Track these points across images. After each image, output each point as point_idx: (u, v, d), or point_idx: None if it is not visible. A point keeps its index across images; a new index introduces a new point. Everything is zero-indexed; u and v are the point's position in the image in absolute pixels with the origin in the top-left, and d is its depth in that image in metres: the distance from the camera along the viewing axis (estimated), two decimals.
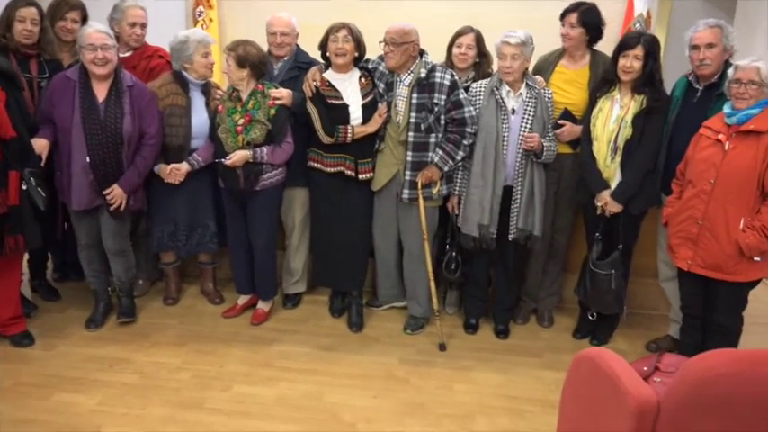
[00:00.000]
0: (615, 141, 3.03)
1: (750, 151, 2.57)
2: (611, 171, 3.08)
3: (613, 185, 3.08)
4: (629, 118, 3.00)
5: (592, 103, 3.15)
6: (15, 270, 3.14)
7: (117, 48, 3.11)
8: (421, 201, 3.19)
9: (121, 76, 3.10)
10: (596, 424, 1.75)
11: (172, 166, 3.25)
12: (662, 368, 2.10)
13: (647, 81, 2.99)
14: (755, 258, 2.62)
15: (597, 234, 3.18)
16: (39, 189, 2.93)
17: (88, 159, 3.02)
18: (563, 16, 3.27)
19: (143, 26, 3.51)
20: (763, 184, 2.56)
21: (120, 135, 3.05)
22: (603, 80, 3.12)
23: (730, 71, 2.67)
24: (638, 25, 4.56)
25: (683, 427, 1.52)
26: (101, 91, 3.05)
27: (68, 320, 3.41)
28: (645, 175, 3.02)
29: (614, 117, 3.04)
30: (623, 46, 3.01)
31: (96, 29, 3.03)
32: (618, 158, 3.05)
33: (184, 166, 3.26)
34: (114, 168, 3.08)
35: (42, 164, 3.00)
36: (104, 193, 3.06)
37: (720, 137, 2.66)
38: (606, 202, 3.07)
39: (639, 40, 3.00)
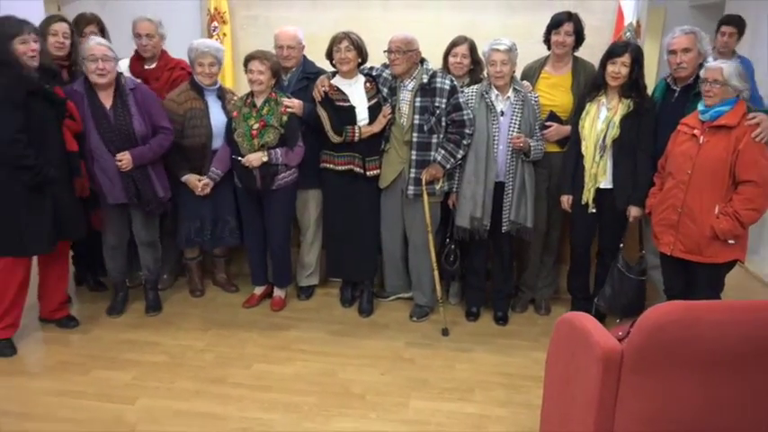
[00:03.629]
0: (603, 141, 3.30)
1: (722, 144, 2.81)
2: (600, 167, 3.34)
3: (602, 182, 3.35)
4: (616, 119, 3.27)
5: (580, 106, 3.42)
6: (65, 261, 3.48)
7: (117, 60, 3.34)
8: (425, 196, 3.47)
9: (123, 83, 3.36)
10: (573, 374, 2.01)
11: (202, 183, 3.56)
12: None
13: (633, 86, 3.26)
14: (730, 241, 2.86)
15: (621, 244, 3.42)
16: None
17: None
18: (557, 25, 3.51)
19: (149, 36, 3.74)
20: (733, 174, 2.80)
21: (132, 135, 3.32)
22: (592, 85, 3.39)
23: (701, 72, 2.94)
24: (628, 34, 4.79)
25: (642, 369, 1.78)
26: (106, 98, 3.30)
27: (99, 310, 3.70)
28: (653, 173, 3.25)
29: (602, 118, 3.31)
30: (612, 54, 3.28)
31: (97, 41, 3.28)
32: (606, 156, 3.32)
33: (206, 181, 3.57)
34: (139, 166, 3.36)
35: None
36: (116, 157, 3.28)
37: (696, 132, 2.91)
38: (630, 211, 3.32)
39: (627, 48, 3.28)
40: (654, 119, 3.28)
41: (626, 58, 3.23)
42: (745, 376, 1.83)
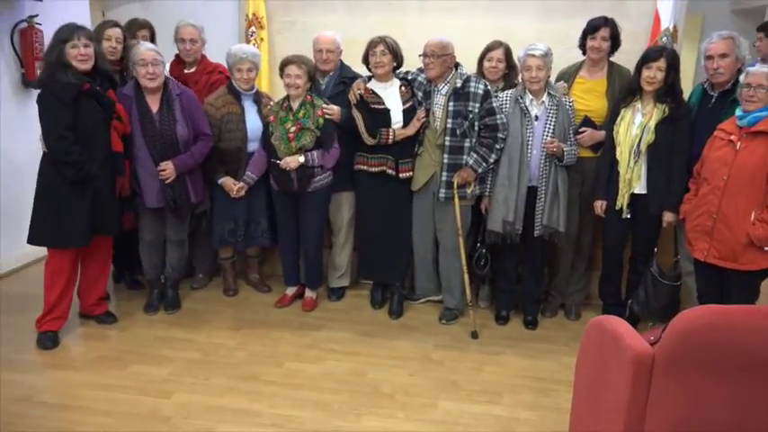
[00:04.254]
0: (638, 146, 3.29)
1: (759, 150, 2.79)
2: (635, 173, 3.33)
3: (636, 187, 3.34)
4: (651, 124, 3.26)
5: (615, 112, 3.41)
6: (107, 256, 3.59)
7: (164, 64, 3.45)
8: (456, 199, 3.49)
9: (171, 87, 3.47)
10: (603, 377, 2.01)
11: (237, 187, 3.66)
12: None
13: (669, 91, 3.25)
14: (766, 248, 2.83)
15: (655, 248, 3.41)
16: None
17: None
18: (594, 30, 3.51)
19: (192, 41, 3.84)
20: None
21: (175, 140, 3.42)
22: (627, 90, 3.38)
23: (742, 76, 2.91)
24: (664, 39, 4.75)
25: (674, 372, 1.78)
26: (154, 102, 3.41)
27: (137, 308, 3.80)
28: (688, 178, 3.23)
29: (637, 123, 3.30)
30: (647, 58, 3.27)
31: (147, 47, 3.40)
32: (641, 161, 3.30)
33: (241, 185, 3.67)
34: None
35: None
36: (160, 166, 3.39)
37: (732, 137, 2.89)
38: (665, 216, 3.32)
39: (662, 53, 3.28)
40: (689, 124, 3.26)
41: (661, 63, 3.22)
42: None
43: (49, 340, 3.30)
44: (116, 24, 3.70)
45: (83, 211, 3.17)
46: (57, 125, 3.05)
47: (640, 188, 3.35)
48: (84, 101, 3.09)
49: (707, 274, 3.08)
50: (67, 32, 3.08)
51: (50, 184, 3.16)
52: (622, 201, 3.37)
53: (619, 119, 3.36)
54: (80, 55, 3.07)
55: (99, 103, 3.15)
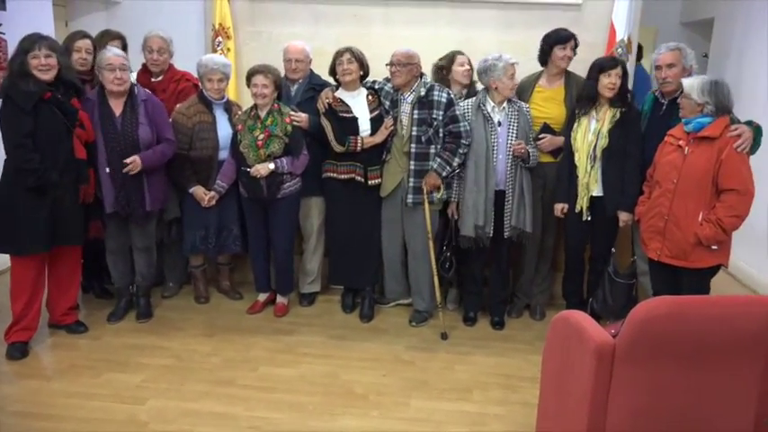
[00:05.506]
0: (594, 151, 3.45)
1: (705, 154, 2.95)
2: (592, 177, 3.48)
3: (594, 190, 3.49)
4: (605, 129, 3.42)
5: (572, 119, 3.57)
6: (76, 266, 3.58)
7: (130, 70, 3.51)
8: (426, 204, 3.60)
9: (136, 92, 3.50)
10: (568, 368, 2.13)
11: (208, 197, 3.71)
12: None
13: (622, 97, 3.43)
14: (713, 247, 2.98)
15: (613, 249, 3.56)
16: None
17: (108, 169, 3.41)
18: (565, 41, 3.66)
19: (160, 52, 3.88)
20: (716, 182, 2.93)
21: (136, 142, 3.43)
22: (587, 98, 3.53)
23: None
24: (619, 50, 4.97)
25: (633, 361, 1.90)
26: (117, 106, 3.43)
27: (106, 317, 3.78)
28: (641, 179, 3.38)
29: (592, 130, 3.46)
30: (605, 67, 3.43)
31: (115, 53, 3.44)
32: (597, 165, 3.46)
33: (212, 194, 3.72)
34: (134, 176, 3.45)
35: None
36: (127, 160, 3.37)
37: (681, 143, 3.05)
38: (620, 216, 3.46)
39: (617, 61, 3.47)
40: (639, 126, 3.45)
41: (618, 70, 3.40)
42: (729, 367, 1.95)
43: (17, 351, 3.28)
44: (86, 35, 3.71)
45: (40, 218, 3.18)
46: (16, 133, 3.09)
47: (598, 191, 3.50)
48: (45, 109, 3.12)
49: (661, 273, 3.23)
50: (29, 43, 3.13)
51: (9, 191, 3.17)
52: (582, 203, 3.52)
53: (576, 125, 3.52)
54: (41, 65, 3.10)
55: (61, 111, 3.18)
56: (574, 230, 3.66)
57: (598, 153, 3.44)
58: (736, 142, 2.89)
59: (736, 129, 2.91)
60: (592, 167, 3.47)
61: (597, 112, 3.47)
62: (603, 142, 3.42)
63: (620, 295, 3.46)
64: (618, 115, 3.40)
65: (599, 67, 3.45)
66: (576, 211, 3.55)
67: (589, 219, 3.54)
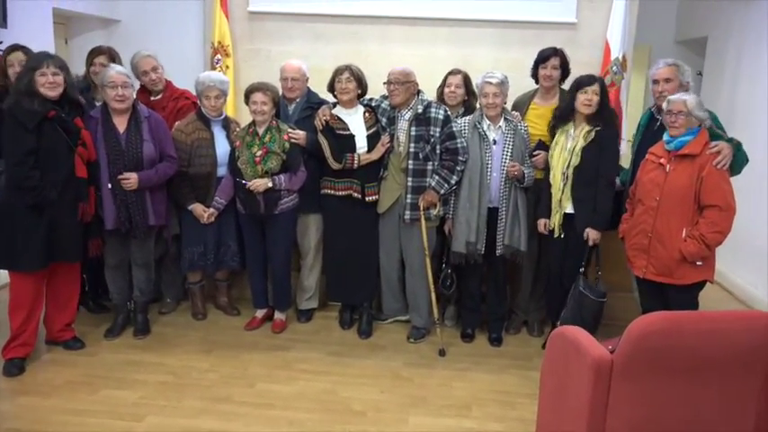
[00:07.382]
0: (567, 168, 3.47)
1: (686, 172, 2.97)
2: (565, 195, 3.49)
3: (567, 207, 3.49)
4: (578, 148, 3.43)
5: (551, 135, 3.60)
6: (75, 283, 3.58)
7: (134, 87, 3.53)
8: (423, 221, 3.61)
9: (139, 109, 3.53)
10: (566, 383, 2.14)
11: (207, 213, 3.73)
12: None
13: (599, 115, 3.44)
14: (698, 263, 2.99)
15: (582, 265, 3.52)
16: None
17: (110, 185, 3.42)
18: (545, 60, 3.73)
19: (154, 70, 3.91)
20: (698, 199, 2.95)
21: (140, 159, 3.45)
22: (560, 115, 3.55)
23: (664, 104, 3.11)
24: (614, 68, 5.02)
25: (630, 376, 1.91)
26: (121, 123, 3.45)
27: (103, 333, 3.78)
28: (612, 200, 3.41)
29: (567, 148, 3.48)
30: (582, 84, 3.44)
31: (117, 70, 3.46)
32: (569, 183, 3.47)
33: (211, 211, 3.74)
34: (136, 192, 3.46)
35: None
36: (124, 176, 3.39)
37: (662, 161, 3.07)
38: (588, 233, 3.45)
39: (595, 78, 3.48)
40: (616, 145, 3.48)
41: (596, 87, 3.42)
42: (726, 382, 1.96)
43: (15, 367, 3.28)
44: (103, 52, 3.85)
45: (37, 235, 3.18)
46: (17, 150, 3.10)
47: (571, 208, 3.50)
48: (48, 127, 3.14)
49: (648, 290, 3.22)
50: (37, 61, 3.16)
51: (7, 207, 3.18)
52: (555, 221, 3.54)
53: (553, 143, 3.55)
54: (48, 83, 3.12)
55: (64, 129, 3.20)
56: (551, 247, 3.66)
57: (569, 172, 3.45)
58: (715, 159, 2.93)
59: (716, 146, 2.95)
60: (564, 185, 3.48)
61: (574, 130, 3.50)
62: (575, 160, 3.43)
63: (587, 314, 3.42)
64: (593, 134, 3.42)
65: (577, 84, 3.47)
66: (550, 228, 3.57)
67: (562, 236, 3.54)
